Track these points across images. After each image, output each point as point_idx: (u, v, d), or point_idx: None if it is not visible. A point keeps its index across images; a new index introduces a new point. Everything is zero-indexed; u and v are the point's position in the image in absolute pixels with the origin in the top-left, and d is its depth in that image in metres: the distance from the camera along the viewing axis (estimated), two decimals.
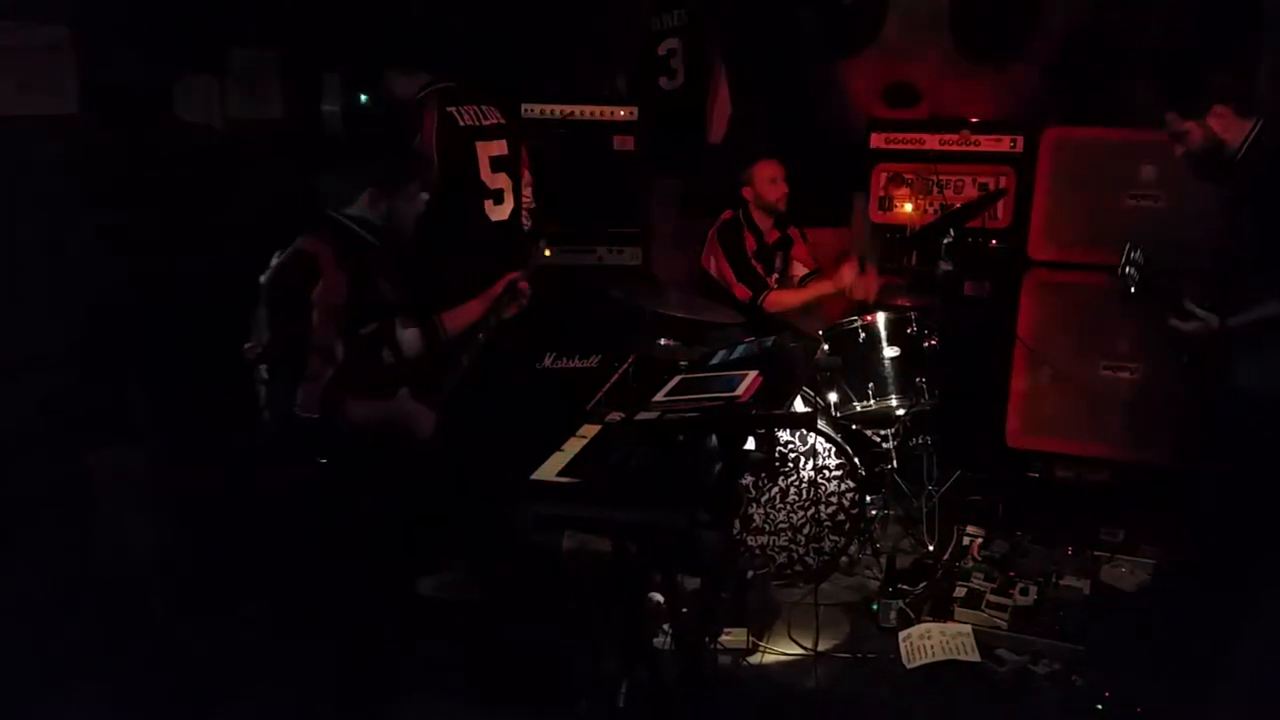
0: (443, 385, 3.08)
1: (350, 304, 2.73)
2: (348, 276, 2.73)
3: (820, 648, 3.45)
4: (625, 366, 4.21)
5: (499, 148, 3.95)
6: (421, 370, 3.09)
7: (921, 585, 3.72)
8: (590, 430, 2.94)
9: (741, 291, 4.42)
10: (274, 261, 2.77)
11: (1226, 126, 3.14)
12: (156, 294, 3.71)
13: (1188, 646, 3.26)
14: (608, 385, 4.18)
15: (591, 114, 4.82)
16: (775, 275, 4.61)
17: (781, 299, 4.47)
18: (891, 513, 4.34)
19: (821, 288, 4.49)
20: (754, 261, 4.50)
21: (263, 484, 2.87)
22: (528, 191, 4.14)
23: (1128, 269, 3.24)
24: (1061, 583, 3.74)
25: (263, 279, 2.76)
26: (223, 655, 3.18)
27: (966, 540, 4.05)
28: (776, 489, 3.78)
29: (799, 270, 4.73)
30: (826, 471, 3.78)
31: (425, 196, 3.04)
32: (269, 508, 2.87)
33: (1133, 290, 3.23)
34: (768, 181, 4.48)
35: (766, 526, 3.80)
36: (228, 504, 3.52)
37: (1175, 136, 3.24)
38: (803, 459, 3.78)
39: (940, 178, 4.67)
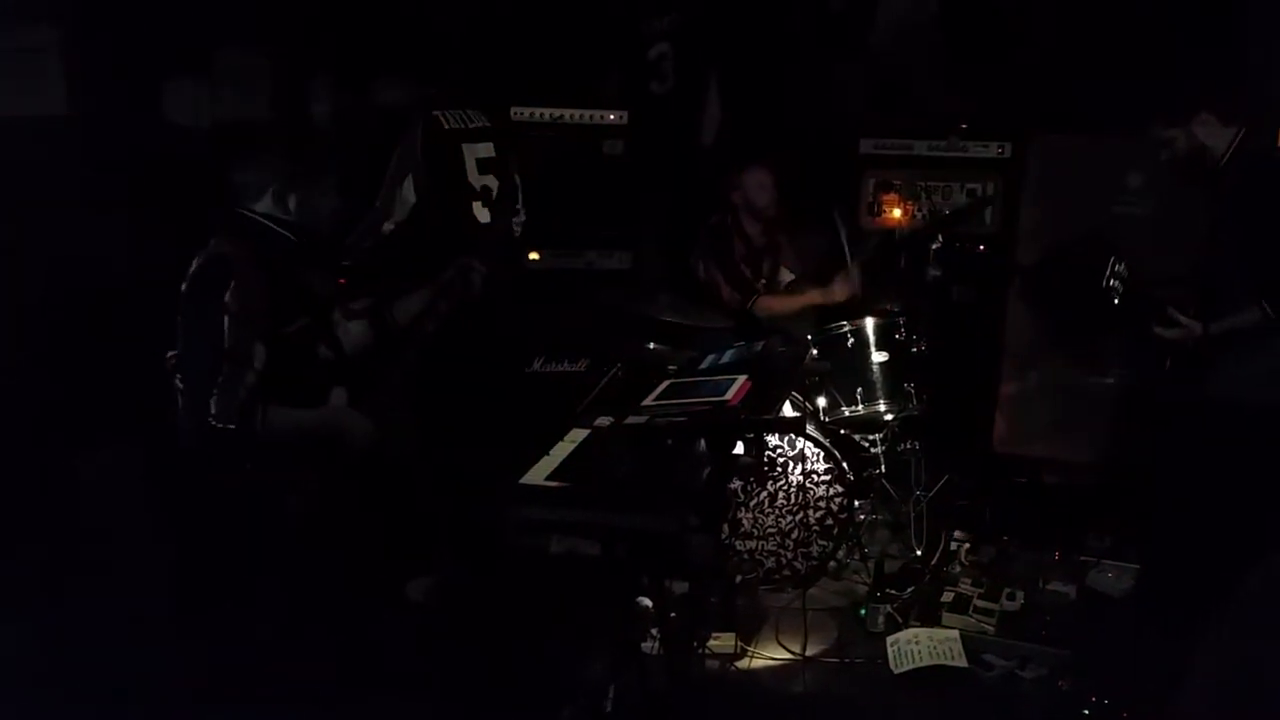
0: (387, 383, 3.02)
1: (271, 304, 2.65)
2: (266, 275, 2.65)
3: (808, 653, 3.45)
4: (614, 371, 4.20)
5: (486, 150, 3.95)
6: (364, 366, 3.00)
7: (909, 590, 3.73)
8: (579, 434, 2.94)
9: (730, 295, 4.42)
10: (192, 266, 2.69)
11: (1211, 133, 3.15)
12: (146, 295, 3.70)
13: (1173, 652, 3.27)
14: (597, 389, 4.18)
15: (581, 118, 4.82)
16: (763, 280, 4.61)
17: (771, 304, 4.47)
18: (879, 517, 4.35)
19: (811, 297, 4.49)
20: (742, 266, 4.50)
21: (190, 487, 2.76)
22: (518, 197, 4.14)
23: (1112, 282, 3.26)
24: (1048, 588, 3.74)
25: (183, 285, 2.71)
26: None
27: (954, 545, 4.06)
28: (765, 493, 3.78)
29: (785, 276, 4.73)
30: (815, 476, 3.78)
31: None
32: (202, 512, 2.76)
33: (1116, 303, 3.25)
34: (757, 187, 4.46)
35: (755, 531, 3.79)
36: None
37: (1160, 144, 3.25)
38: (791, 463, 3.78)
39: (928, 183, 4.69)
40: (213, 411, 2.51)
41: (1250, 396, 3.13)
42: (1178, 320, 3.19)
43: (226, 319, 2.54)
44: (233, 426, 2.52)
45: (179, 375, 2.60)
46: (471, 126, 3.93)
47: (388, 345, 3.05)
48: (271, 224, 2.76)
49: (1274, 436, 3.10)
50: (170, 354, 2.68)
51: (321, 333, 2.88)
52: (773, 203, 4.49)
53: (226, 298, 2.55)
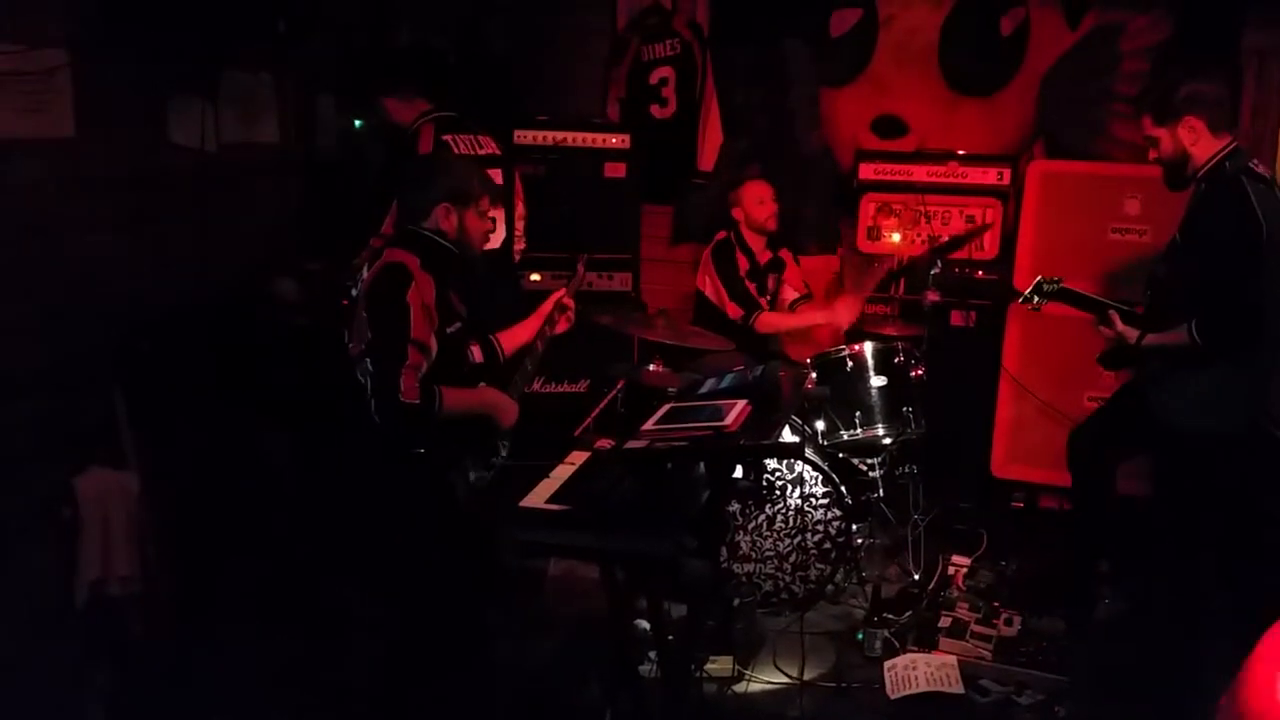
0: (514, 388, 3.27)
1: (438, 304, 2.98)
2: (433, 280, 2.97)
3: (805, 677, 3.45)
4: (614, 392, 4.22)
5: (494, 176, 3.97)
6: (494, 371, 3.33)
7: (907, 615, 3.74)
8: (579, 457, 2.96)
9: (734, 311, 4.46)
10: (364, 273, 3.05)
11: (1196, 140, 3.15)
12: (150, 316, 3.73)
13: (1168, 673, 3.28)
14: (596, 411, 4.20)
15: (583, 141, 4.86)
16: (767, 297, 4.64)
17: (772, 321, 4.51)
18: (877, 541, 4.36)
19: (813, 317, 4.53)
20: (747, 282, 4.54)
21: (365, 477, 3.12)
22: (520, 225, 4.18)
23: (1035, 298, 3.40)
24: (1045, 613, 3.75)
25: (355, 290, 3.10)
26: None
27: (952, 570, 4.06)
28: (763, 516, 3.79)
29: (789, 294, 4.77)
30: (813, 499, 3.79)
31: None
32: (372, 499, 3.13)
33: (1031, 309, 3.45)
34: (756, 202, 4.53)
35: (753, 554, 3.80)
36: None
37: (1148, 141, 3.27)
38: (790, 487, 3.79)
39: (928, 209, 4.73)
40: (401, 389, 2.80)
41: (1177, 422, 3.18)
42: (1114, 323, 3.24)
43: (413, 312, 2.86)
44: (418, 402, 2.82)
45: (369, 360, 2.87)
46: (480, 153, 3.96)
47: (499, 368, 3.34)
48: (438, 239, 3.04)
49: (1197, 461, 3.18)
50: (350, 344, 2.98)
51: (472, 337, 3.21)
52: (772, 217, 4.54)
53: (409, 295, 2.87)
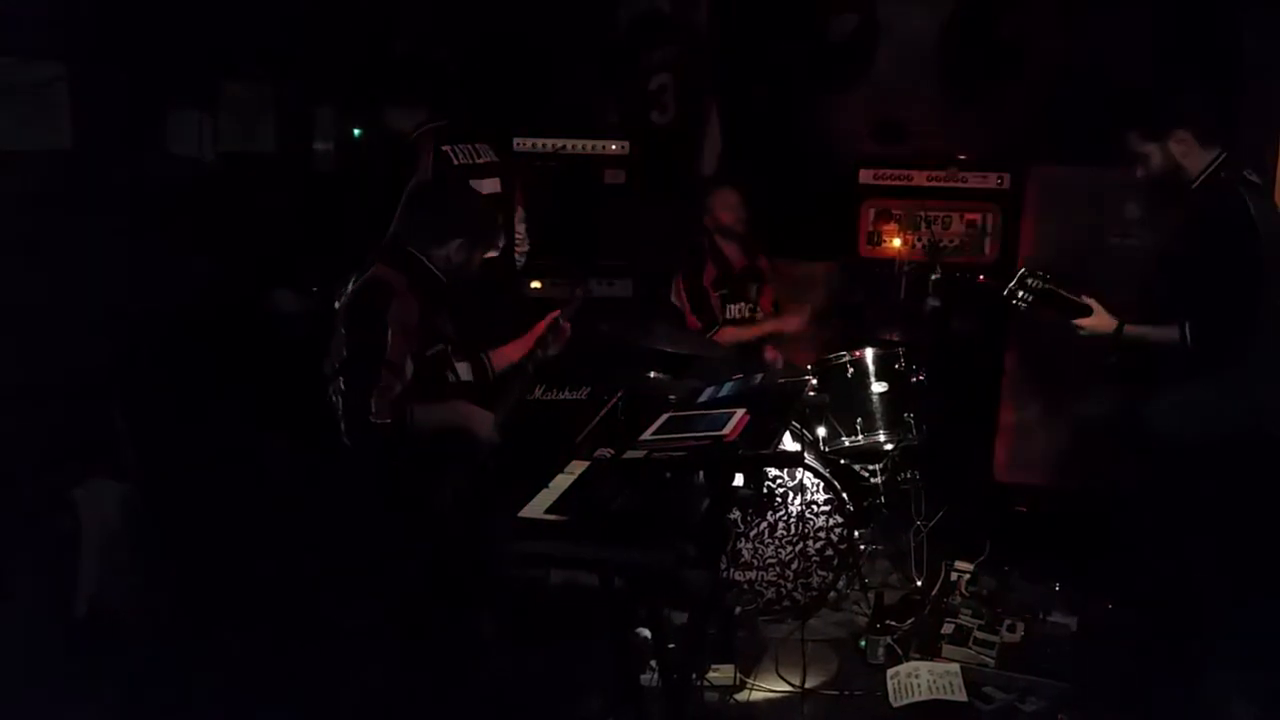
0: (499, 405, 3.23)
1: (420, 326, 2.96)
2: (418, 302, 2.96)
3: (807, 685, 3.44)
4: (614, 400, 4.21)
5: (492, 185, 3.98)
6: (477, 391, 3.30)
7: (909, 621, 3.72)
8: (578, 467, 2.96)
9: (693, 323, 4.43)
10: (349, 287, 3.00)
11: (1187, 152, 3.15)
12: (148, 327, 3.73)
13: (1165, 683, 3.27)
14: (596, 419, 4.19)
15: (583, 148, 4.85)
16: (743, 304, 4.60)
17: (734, 334, 4.47)
18: (879, 548, 4.35)
19: (768, 326, 4.51)
20: (712, 292, 4.50)
21: (360, 489, 3.09)
22: (521, 228, 4.17)
23: (1020, 293, 3.30)
24: (1049, 619, 3.73)
25: (338, 304, 3.03)
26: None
27: (954, 576, 4.05)
28: (765, 524, 3.78)
29: (769, 308, 4.74)
30: (815, 506, 3.79)
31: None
32: (368, 510, 3.09)
33: (1022, 309, 3.34)
34: (725, 209, 4.50)
35: (755, 561, 3.80)
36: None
37: (1136, 157, 3.25)
38: (791, 494, 3.78)
39: (928, 214, 4.73)
40: (373, 410, 2.81)
41: (1165, 427, 3.17)
42: (1091, 307, 3.22)
43: (390, 332, 2.85)
44: (389, 421, 2.83)
45: (342, 379, 2.88)
46: (479, 162, 3.96)
47: (488, 385, 3.32)
48: (432, 267, 3.05)
49: (1187, 467, 3.16)
50: (326, 361, 2.97)
51: (461, 354, 3.21)
52: (740, 222, 4.50)
53: (389, 315, 2.86)
